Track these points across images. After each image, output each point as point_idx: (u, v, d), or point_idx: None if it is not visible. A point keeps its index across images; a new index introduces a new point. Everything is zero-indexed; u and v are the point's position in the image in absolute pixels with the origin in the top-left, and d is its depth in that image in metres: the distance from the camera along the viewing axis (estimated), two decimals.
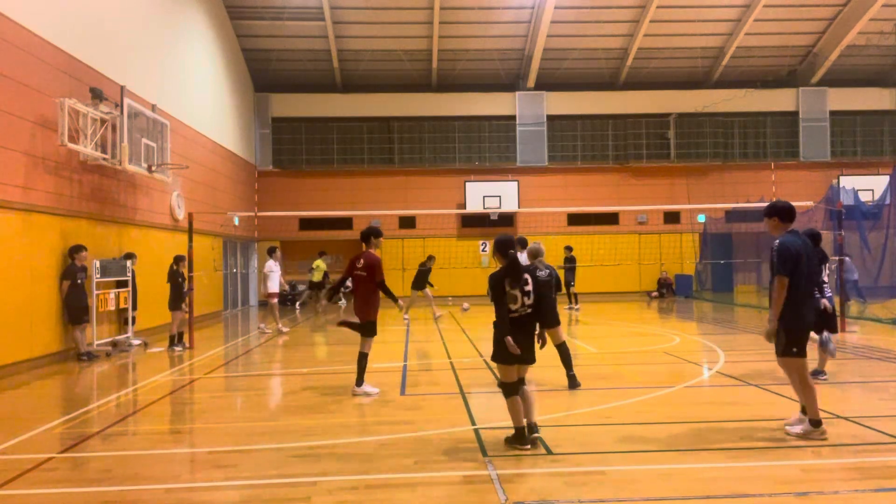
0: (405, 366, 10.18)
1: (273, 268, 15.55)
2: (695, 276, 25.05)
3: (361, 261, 7.91)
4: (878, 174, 24.12)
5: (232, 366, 10.95)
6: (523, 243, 12.50)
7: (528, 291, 5.55)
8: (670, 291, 25.06)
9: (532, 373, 9.47)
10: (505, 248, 5.61)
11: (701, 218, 25.02)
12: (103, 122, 12.08)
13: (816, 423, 5.71)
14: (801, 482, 4.72)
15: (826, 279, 8.16)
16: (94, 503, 4.65)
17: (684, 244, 25.15)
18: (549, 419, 6.63)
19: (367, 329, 7.86)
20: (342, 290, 9.81)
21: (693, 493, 4.52)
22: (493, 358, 5.64)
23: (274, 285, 15.50)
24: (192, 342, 12.69)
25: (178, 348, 12.33)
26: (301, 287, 23.54)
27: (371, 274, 7.79)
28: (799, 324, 5.75)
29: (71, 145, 11.08)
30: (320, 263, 20.30)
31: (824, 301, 7.80)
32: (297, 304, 23.24)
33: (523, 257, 11.61)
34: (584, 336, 13.43)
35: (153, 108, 14.12)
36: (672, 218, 25.41)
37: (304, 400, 7.68)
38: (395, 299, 8.04)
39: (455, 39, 24.07)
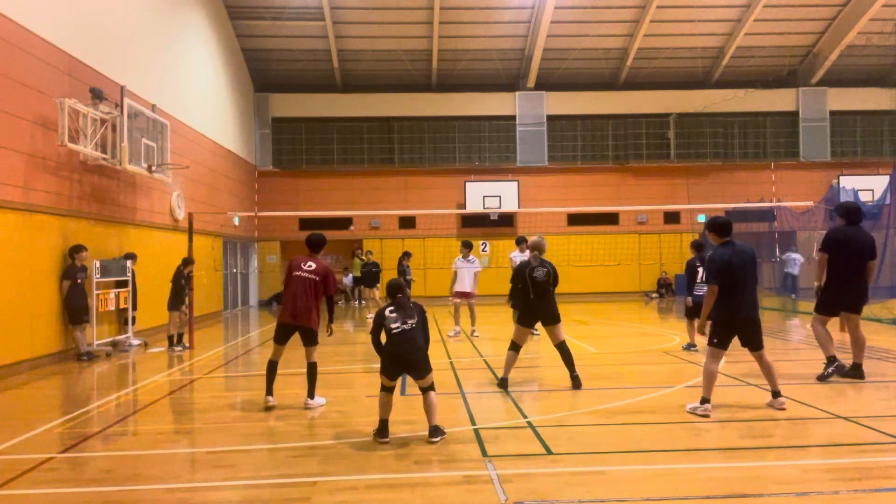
0: None
1: (461, 264, 13.61)
2: None
3: (312, 264, 7.31)
4: (878, 174, 24.11)
5: (232, 366, 10.95)
6: (523, 242, 12.57)
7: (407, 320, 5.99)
8: (670, 291, 25.06)
9: (532, 372, 9.50)
10: (393, 293, 6.08)
11: (701, 218, 24.98)
12: (103, 122, 12.08)
13: (705, 399, 6.69)
14: (801, 482, 4.72)
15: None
16: (94, 503, 4.65)
17: (684, 244, 25.09)
18: (549, 419, 6.63)
19: (316, 336, 7.49)
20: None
21: (693, 493, 4.52)
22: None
23: (463, 284, 13.53)
24: (192, 342, 12.69)
25: (178, 348, 12.33)
26: None
27: (325, 280, 7.32)
28: (725, 320, 6.75)
29: (71, 145, 11.07)
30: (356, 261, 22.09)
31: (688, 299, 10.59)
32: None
33: (524, 256, 11.63)
34: (583, 336, 13.42)
35: (153, 108, 14.12)
36: (672, 218, 25.40)
37: (303, 400, 7.66)
38: (330, 319, 7.71)
39: (455, 39, 24.06)
